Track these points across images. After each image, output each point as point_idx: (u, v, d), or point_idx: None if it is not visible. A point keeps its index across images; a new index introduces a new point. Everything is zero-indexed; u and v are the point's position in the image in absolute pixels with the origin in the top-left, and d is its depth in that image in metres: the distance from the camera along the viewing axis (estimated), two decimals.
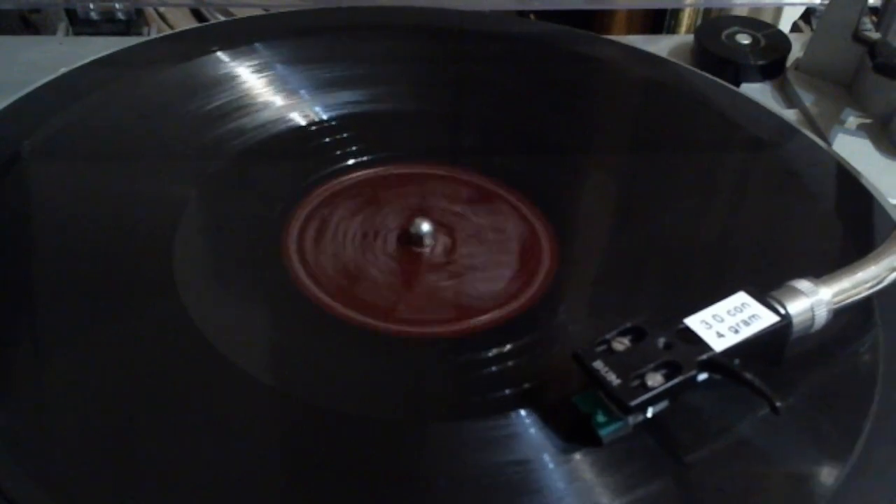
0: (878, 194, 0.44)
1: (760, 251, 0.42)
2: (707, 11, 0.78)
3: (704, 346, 0.32)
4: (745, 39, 0.59)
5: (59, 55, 0.53)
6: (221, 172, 0.45)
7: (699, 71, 0.54)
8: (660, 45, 0.61)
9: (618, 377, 0.31)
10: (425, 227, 0.41)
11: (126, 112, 0.47)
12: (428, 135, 0.49)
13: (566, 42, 0.56)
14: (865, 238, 0.41)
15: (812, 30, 0.65)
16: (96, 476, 0.30)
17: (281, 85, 0.50)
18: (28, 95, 0.46)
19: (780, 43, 0.59)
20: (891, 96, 0.52)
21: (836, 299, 0.34)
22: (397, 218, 0.43)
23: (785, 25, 0.69)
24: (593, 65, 0.55)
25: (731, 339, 0.32)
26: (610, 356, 0.31)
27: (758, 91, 0.57)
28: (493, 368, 0.36)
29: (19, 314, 0.36)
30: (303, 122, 0.48)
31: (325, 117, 0.49)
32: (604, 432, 0.31)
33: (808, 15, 0.68)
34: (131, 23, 0.64)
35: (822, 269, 0.35)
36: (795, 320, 0.33)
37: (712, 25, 0.61)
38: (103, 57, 0.50)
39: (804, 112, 0.55)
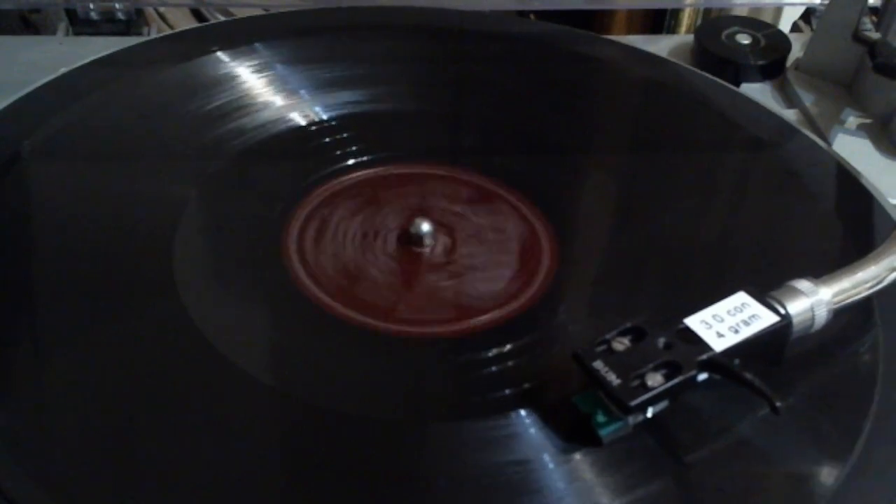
0: (878, 194, 0.44)
1: (760, 251, 0.42)
2: (707, 11, 0.78)
3: (704, 346, 0.32)
4: (745, 39, 0.59)
5: (59, 55, 0.53)
6: (221, 172, 0.45)
7: (699, 71, 0.54)
8: (660, 45, 0.61)
9: (618, 377, 0.31)
10: (425, 227, 0.41)
11: (126, 112, 0.47)
12: (428, 135, 0.49)
13: (566, 42, 0.56)
14: (865, 238, 0.41)
15: (812, 30, 0.65)
16: (96, 476, 0.30)
17: (281, 85, 0.50)
18: (28, 95, 0.46)
19: (780, 43, 0.59)
20: (891, 96, 0.52)
21: (836, 299, 0.34)
22: (397, 218, 0.43)
23: (785, 25, 0.69)
24: (593, 65, 0.55)
25: (731, 339, 0.32)
26: (610, 356, 0.31)
27: (758, 91, 0.57)
28: (493, 368, 0.36)
29: (19, 314, 0.36)
30: (303, 122, 0.48)
31: (325, 117, 0.49)
32: (604, 432, 0.31)
33: (808, 15, 0.68)
34: (131, 23, 0.64)
35: (822, 269, 0.35)
36: (795, 320, 0.33)
37: (712, 25, 0.61)
38: (103, 57, 0.50)
39: (804, 112, 0.55)
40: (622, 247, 0.43)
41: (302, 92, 0.50)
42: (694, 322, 0.33)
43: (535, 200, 0.45)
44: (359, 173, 0.46)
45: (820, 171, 0.46)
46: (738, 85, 0.56)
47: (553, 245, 0.43)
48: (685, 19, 0.81)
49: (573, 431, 0.32)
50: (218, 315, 0.37)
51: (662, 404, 0.32)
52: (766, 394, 0.31)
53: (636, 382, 0.31)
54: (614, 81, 0.55)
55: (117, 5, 0.63)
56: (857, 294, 0.35)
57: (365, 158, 0.46)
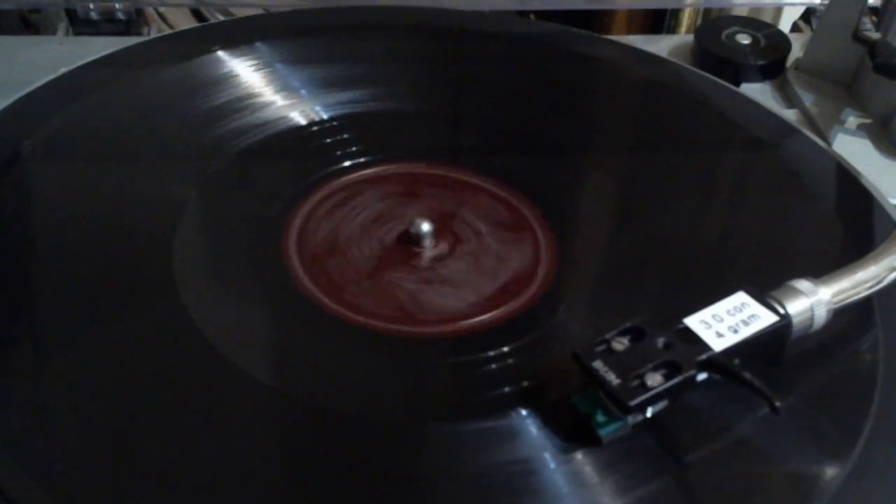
0: (878, 194, 0.44)
1: (760, 251, 0.42)
2: (707, 11, 0.78)
3: (704, 346, 0.32)
4: (745, 39, 0.59)
5: (59, 55, 0.53)
6: (221, 172, 0.45)
7: (699, 71, 0.54)
8: (660, 45, 0.61)
9: (617, 377, 0.31)
10: (425, 227, 0.41)
11: (126, 112, 0.47)
12: (428, 135, 0.49)
13: (566, 42, 0.56)
14: (865, 238, 0.41)
15: (812, 30, 0.65)
16: (96, 476, 0.30)
17: (281, 85, 0.50)
18: (28, 95, 0.46)
19: (780, 43, 0.59)
20: (891, 96, 0.52)
21: (836, 299, 0.34)
22: (397, 218, 0.43)
23: (785, 25, 0.69)
24: (593, 65, 0.55)
25: (730, 339, 0.32)
26: (609, 356, 0.31)
27: (758, 91, 0.57)
28: (493, 368, 0.36)
29: (19, 314, 0.36)
30: (303, 122, 0.48)
31: (325, 117, 0.49)
32: (603, 432, 0.31)
33: (808, 15, 0.68)
34: (131, 23, 0.64)
35: (822, 269, 0.35)
36: (795, 320, 0.33)
37: (712, 25, 0.61)
38: (103, 57, 0.50)
39: (804, 112, 0.55)
40: (622, 247, 0.43)
41: (302, 92, 0.50)
42: (693, 322, 0.33)
43: (535, 200, 0.45)
44: (359, 173, 0.46)
45: (820, 171, 0.46)
46: (738, 85, 0.56)
47: (553, 245, 0.43)
48: (685, 19, 0.81)
49: (573, 431, 0.32)
50: (218, 315, 0.37)
51: (662, 404, 0.32)
52: (765, 394, 0.31)
53: (636, 382, 0.31)
54: (614, 81, 0.55)
55: (117, 5, 0.63)
56: (856, 294, 0.35)
57: (365, 158, 0.46)
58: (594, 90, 0.55)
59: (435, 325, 0.38)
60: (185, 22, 0.76)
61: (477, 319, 0.38)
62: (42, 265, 0.39)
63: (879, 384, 0.35)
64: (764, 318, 0.33)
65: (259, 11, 0.62)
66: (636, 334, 0.32)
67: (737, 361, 0.32)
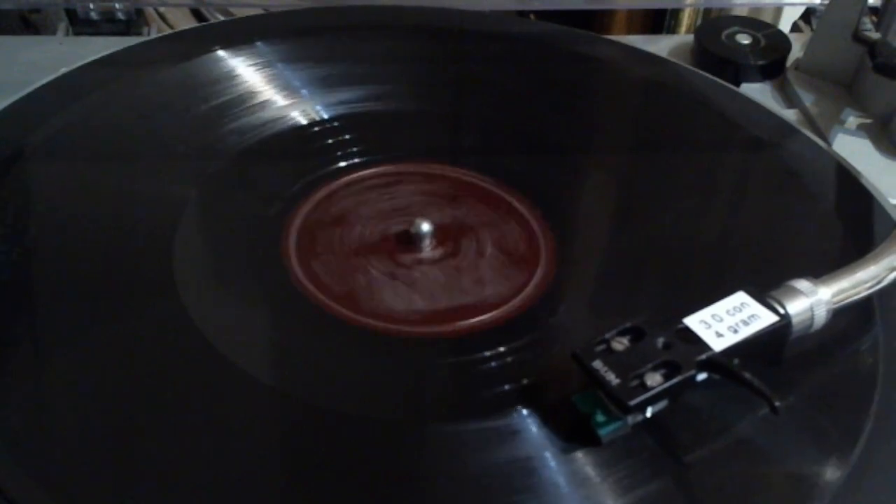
0: (878, 194, 0.44)
1: (760, 251, 0.42)
2: (707, 11, 0.78)
3: (704, 346, 0.32)
4: (745, 39, 0.59)
5: (59, 55, 0.53)
6: (221, 172, 0.45)
7: (699, 71, 0.54)
8: (660, 45, 0.61)
9: (617, 377, 0.31)
10: (425, 227, 0.41)
11: (126, 112, 0.47)
12: (428, 135, 0.49)
13: (566, 42, 0.56)
14: (865, 238, 0.41)
15: (812, 30, 0.65)
16: (96, 476, 0.30)
17: (281, 85, 0.50)
18: (28, 95, 0.46)
19: (780, 43, 0.59)
20: (891, 96, 0.52)
21: (836, 299, 0.34)
22: (397, 218, 0.43)
23: (785, 25, 0.69)
24: (593, 65, 0.55)
25: (730, 339, 0.32)
26: (609, 356, 0.32)
27: (758, 91, 0.57)
28: (493, 368, 0.36)
29: (19, 314, 0.36)
30: (303, 122, 0.48)
31: (325, 117, 0.49)
32: (603, 432, 0.31)
33: (808, 15, 0.68)
34: (131, 23, 0.64)
35: (822, 269, 0.35)
36: (795, 320, 0.33)
37: (712, 25, 0.61)
38: (103, 57, 0.50)
39: (804, 112, 0.55)
40: (622, 247, 0.43)
41: (302, 92, 0.50)
42: (693, 322, 0.33)
43: (535, 200, 0.45)
44: (359, 173, 0.46)
45: (820, 171, 0.46)
46: (738, 85, 0.56)
47: (553, 245, 0.43)
48: (685, 19, 0.81)
49: (573, 431, 0.32)
50: (218, 315, 0.37)
51: (662, 404, 0.32)
52: (765, 393, 0.31)
53: (635, 382, 0.31)
54: (614, 81, 0.55)
55: (117, 5, 0.63)
56: (856, 294, 0.35)
57: (365, 158, 0.46)
58: (594, 90, 0.55)
59: (435, 325, 0.38)
60: (185, 22, 0.76)
61: (477, 319, 0.38)
62: (42, 265, 0.39)
63: (879, 384, 0.35)
64: (764, 318, 0.33)
65: (259, 11, 0.62)
66: (636, 334, 0.32)
67: (736, 361, 0.32)
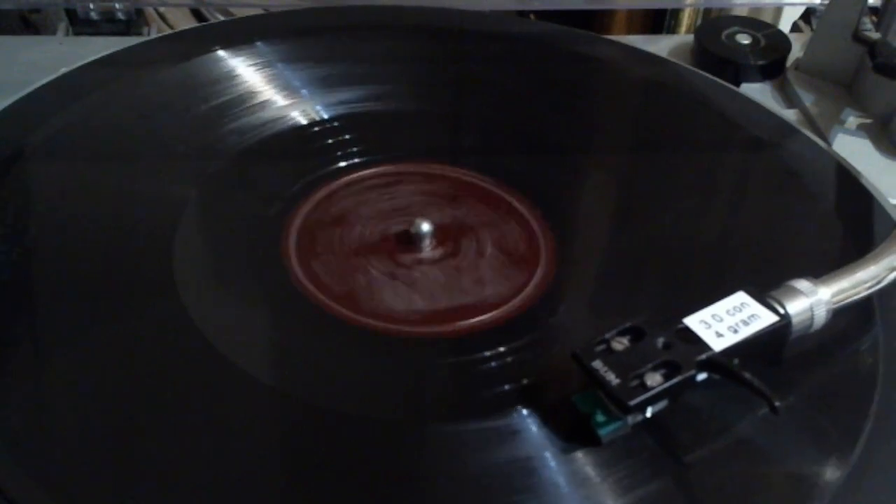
0: (878, 194, 0.44)
1: (760, 251, 0.42)
2: (707, 11, 0.78)
3: (703, 346, 0.32)
4: (745, 39, 0.59)
5: (59, 55, 0.53)
6: (221, 172, 0.45)
7: (699, 71, 0.54)
8: (660, 45, 0.61)
9: (617, 377, 0.31)
10: (425, 227, 0.41)
11: (126, 112, 0.47)
12: (428, 135, 0.49)
13: (566, 42, 0.56)
14: (865, 238, 0.41)
15: (812, 30, 0.65)
16: (96, 476, 0.30)
17: (281, 85, 0.50)
18: (28, 95, 0.46)
19: (780, 43, 0.59)
20: (891, 96, 0.52)
21: (836, 299, 0.34)
22: (397, 218, 0.43)
23: (785, 25, 0.69)
24: (593, 65, 0.55)
25: (730, 339, 0.32)
26: (609, 356, 0.32)
27: (758, 91, 0.57)
28: (493, 368, 0.36)
29: (19, 314, 0.36)
30: (303, 122, 0.48)
31: (325, 117, 0.49)
32: (603, 432, 0.31)
33: (808, 15, 0.68)
34: (131, 23, 0.64)
35: (822, 269, 0.35)
36: (794, 320, 0.33)
37: (712, 25, 0.61)
38: (103, 57, 0.50)
39: (804, 112, 0.55)
40: (622, 247, 0.43)
41: (302, 92, 0.50)
42: (693, 322, 0.33)
43: (536, 200, 0.45)
44: (359, 173, 0.46)
45: (820, 171, 0.46)
46: (738, 85, 0.56)
47: (553, 245, 0.43)
48: (685, 19, 0.81)
49: (572, 431, 0.32)
50: (218, 315, 0.37)
51: (662, 404, 0.32)
52: (765, 393, 0.31)
53: (635, 382, 0.31)
54: (614, 81, 0.55)
55: (117, 5, 0.63)
56: (856, 294, 0.35)
57: (365, 158, 0.46)
58: (594, 90, 0.55)
59: (435, 325, 0.38)
60: (185, 22, 0.76)
61: (477, 319, 0.38)
62: (42, 265, 0.39)
63: (879, 384, 0.35)
64: (764, 318, 0.33)
65: (259, 11, 0.62)
66: (636, 334, 0.32)
67: (736, 361, 0.32)
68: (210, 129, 0.46)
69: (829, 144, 0.50)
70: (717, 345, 0.32)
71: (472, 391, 0.35)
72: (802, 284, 0.34)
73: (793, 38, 0.60)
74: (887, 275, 0.35)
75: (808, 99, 0.55)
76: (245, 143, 0.46)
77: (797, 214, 0.44)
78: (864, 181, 0.45)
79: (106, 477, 0.30)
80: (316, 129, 0.48)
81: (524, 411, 0.33)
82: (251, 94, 0.49)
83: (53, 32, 0.63)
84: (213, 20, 0.75)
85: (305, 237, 0.42)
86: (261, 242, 0.41)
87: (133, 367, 0.34)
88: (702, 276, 0.41)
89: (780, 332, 0.33)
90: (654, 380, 0.31)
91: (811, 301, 0.34)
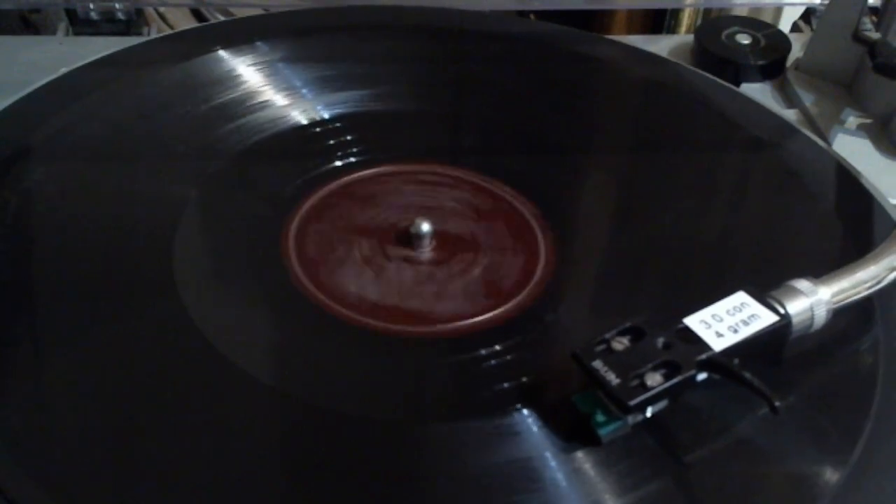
0: (878, 194, 0.44)
1: (760, 251, 0.42)
2: (707, 11, 0.78)
3: (704, 346, 0.32)
4: (745, 39, 0.59)
5: (59, 55, 0.53)
6: (221, 172, 0.45)
7: (699, 71, 0.54)
8: (660, 45, 0.61)
9: (617, 377, 0.31)
10: (425, 227, 0.41)
11: (126, 112, 0.47)
12: (428, 135, 0.49)
13: (566, 42, 0.56)
14: (865, 238, 0.41)
15: (812, 30, 0.65)
16: (96, 476, 0.30)
17: (281, 85, 0.50)
18: (28, 95, 0.46)
19: (780, 43, 0.59)
20: (891, 96, 0.52)
21: (836, 299, 0.34)
22: (397, 218, 0.43)
23: (785, 25, 0.69)
24: (593, 65, 0.55)
25: (730, 339, 0.32)
26: (609, 356, 0.31)
27: (758, 91, 0.57)
28: (493, 368, 0.36)
29: (19, 314, 0.36)
30: (303, 122, 0.48)
31: (325, 117, 0.49)
32: (603, 432, 0.31)
33: (808, 15, 0.68)
34: (131, 23, 0.64)
35: (822, 269, 0.35)
36: (795, 320, 0.33)
37: (712, 25, 0.61)
38: (103, 57, 0.50)
39: (804, 112, 0.55)
40: (622, 247, 0.43)
41: (302, 92, 0.50)
42: (693, 322, 0.33)
43: (536, 200, 0.45)
44: (359, 173, 0.46)
45: (820, 171, 0.46)
46: (738, 85, 0.56)
47: (553, 245, 0.43)
48: (685, 19, 0.81)
49: (572, 431, 0.32)
50: (218, 315, 0.37)
51: (662, 404, 0.32)
52: (765, 393, 0.31)
53: (635, 382, 0.31)
54: (614, 81, 0.55)
55: (117, 5, 0.63)
56: (856, 294, 0.35)
57: (365, 158, 0.46)
58: (594, 90, 0.55)
59: (435, 325, 0.38)
60: (185, 22, 0.76)
61: (477, 319, 0.38)
62: (42, 265, 0.39)
63: (879, 384, 0.35)
64: (764, 318, 0.33)
65: (259, 11, 0.62)
66: (636, 334, 0.32)
67: (736, 361, 0.32)
68: (210, 129, 0.46)
69: (829, 144, 0.50)
70: (718, 345, 0.32)
71: (472, 391, 0.35)
72: (802, 284, 0.34)
73: (793, 38, 0.60)
74: (887, 275, 0.35)
75: (808, 99, 0.55)
76: (245, 143, 0.46)
77: (797, 214, 0.44)
78: (864, 181, 0.45)
79: (106, 477, 0.31)
80: (316, 129, 0.48)
81: (524, 411, 0.33)
82: (251, 94, 0.49)
83: (53, 32, 0.63)
84: (213, 20, 0.75)
85: (305, 237, 0.42)
86: (261, 242, 0.41)
87: (133, 367, 0.34)
88: (702, 276, 0.41)
89: (780, 332, 0.33)
90: (654, 380, 0.31)
91: (811, 301, 0.34)
